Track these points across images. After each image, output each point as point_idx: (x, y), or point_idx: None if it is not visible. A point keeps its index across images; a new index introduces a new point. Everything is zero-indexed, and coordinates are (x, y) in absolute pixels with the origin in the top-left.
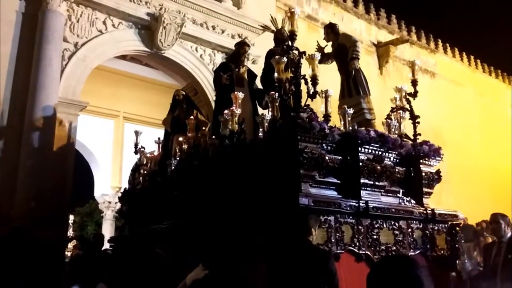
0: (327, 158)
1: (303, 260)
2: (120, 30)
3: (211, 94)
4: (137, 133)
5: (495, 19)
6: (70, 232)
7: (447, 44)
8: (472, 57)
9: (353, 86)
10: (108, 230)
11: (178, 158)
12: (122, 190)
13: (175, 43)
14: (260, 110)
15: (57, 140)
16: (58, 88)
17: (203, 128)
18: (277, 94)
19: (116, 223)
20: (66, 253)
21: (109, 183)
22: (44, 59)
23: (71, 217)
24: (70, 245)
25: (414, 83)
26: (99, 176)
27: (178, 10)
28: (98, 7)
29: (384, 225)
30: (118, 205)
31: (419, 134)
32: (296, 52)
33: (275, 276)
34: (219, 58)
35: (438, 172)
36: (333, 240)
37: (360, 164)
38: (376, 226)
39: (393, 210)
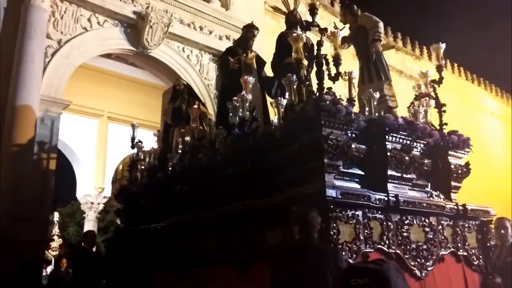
0: (353, 146)
1: (307, 258)
2: (106, 28)
3: (200, 95)
4: (133, 127)
5: (477, 28)
6: (56, 231)
7: (432, 52)
8: (455, 64)
9: (374, 71)
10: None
11: (180, 151)
12: (106, 191)
13: (161, 42)
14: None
15: (38, 139)
16: (40, 86)
17: (208, 118)
18: (294, 76)
19: (99, 224)
20: (52, 252)
21: (92, 183)
22: (26, 55)
23: (56, 215)
24: (55, 244)
25: (439, 68)
26: (81, 176)
27: (165, 10)
28: (82, 4)
29: (414, 222)
30: (101, 206)
31: (446, 124)
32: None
33: (279, 275)
34: (206, 59)
35: (467, 164)
36: (361, 238)
37: (388, 154)
38: (406, 222)
39: (424, 205)
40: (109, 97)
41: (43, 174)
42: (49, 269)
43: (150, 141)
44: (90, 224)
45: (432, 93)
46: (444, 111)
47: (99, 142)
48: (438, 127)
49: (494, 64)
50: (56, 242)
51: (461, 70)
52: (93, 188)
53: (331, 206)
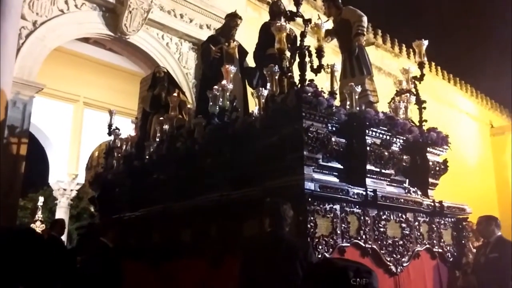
0: (333, 140)
1: (277, 252)
2: (83, 11)
3: (179, 83)
4: (111, 113)
5: (454, 27)
6: (39, 215)
7: (411, 50)
8: (433, 63)
9: (356, 65)
10: (62, 217)
11: (158, 140)
12: (80, 177)
13: (140, 29)
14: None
15: (9, 123)
16: (13, 68)
17: (188, 107)
18: (276, 67)
19: (71, 211)
20: None
21: (65, 169)
22: None
23: (41, 199)
24: (38, 230)
25: (421, 65)
26: (54, 162)
27: None
28: None
29: (391, 217)
30: (74, 193)
31: (425, 121)
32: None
33: (249, 270)
34: (186, 47)
35: (445, 162)
36: (338, 232)
37: (368, 148)
38: (383, 217)
39: (402, 200)
40: (85, 82)
41: (13, 159)
42: None
43: (127, 128)
44: (62, 211)
45: (413, 90)
46: (424, 108)
47: (74, 128)
48: (417, 124)
49: (471, 64)
50: (39, 228)
51: (438, 69)
52: (66, 174)
53: (309, 199)
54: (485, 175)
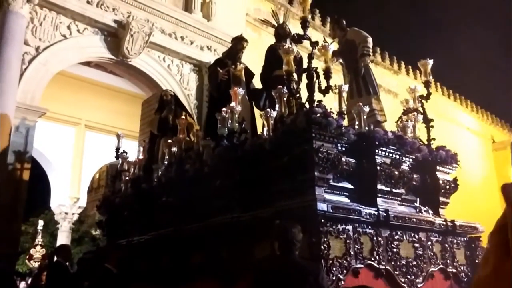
0: (343, 160)
1: (288, 276)
2: (85, 36)
3: None
4: (118, 136)
5: (454, 44)
6: (39, 240)
7: (409, 66)
8: (432, 79)
9: (363, 85)
10: (63, 242)
11: (166, 163)
12: (81, 201)
13: (142, 51)
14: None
15: (12, 148)
16: (16, 93)
17: (196, 129)
18: (285, 88)
19: (73, 235)
20: (33, 263)
21: (67, 193)
22: (2, 62)
23: (41, 223)
24: (38, 255)
25: (427, 84)
26: (56, 185)
27: (147, 19)
28: (62, 11)
29: (404, 237)
30: (76, 217)
31: (434, 139)
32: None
33: None
34: (187, 69)
35: (455, 180)
36: (352, 253)
37: (378, 168)
38: (396, 238)
39: (414, 220)
40: (87, 105)
41: (16, 184)
42: (30, 281)
43: (129, 150)
44: (63, 235)
45: (420, 108)
46: (432, 126)
47: (75, 151)
48: (426, 142)
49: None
50: (39, 253)
51: (437, 85)
52: (68, 197)
53: (322, 220)
54: (489, 190)
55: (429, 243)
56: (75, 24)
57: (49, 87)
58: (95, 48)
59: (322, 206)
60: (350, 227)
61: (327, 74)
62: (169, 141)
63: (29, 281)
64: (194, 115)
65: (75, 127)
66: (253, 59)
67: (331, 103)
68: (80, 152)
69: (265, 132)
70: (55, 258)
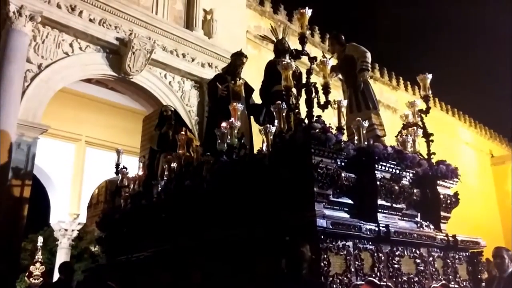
0: (343, 175)
1: None
2: (87, 53)
3: None
4: (118, 152)
5: (452, 60)
6: (39, 257)
7: (408, 82)
8: (431, 94)
9: (362, 100)
10: (62, 258)
11: (166, 178)
12: (81, 217)
13: (144, 69)
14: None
15: (13, 165)
16: (18, 110)
17: (196, 144)
18: (284, 104)
19: (72, 251)
20: (33, 280)
21: (66, 209)
22: (5, 79)
23: (40, 239)
24: (37, 272)
25: (426, 98)
26: (56, 202)
27: (148, 37)
28: (65, 29)
29: (405, 253)
30: (75, 233)
31: (434, 153)
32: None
33: None
34: (188, 85)
35: (456, 194)
36: (352, 270)
37: (378, 183)
38: (397, 253)
39: (415, 235)
40: (87, 121)
41: (17, 202)
42: None
43: (129, 166)
44: (63, 252)
45: (420, 123)
46: (432, 141)
47: (75, 167)
48: (426, 157)
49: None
50: (39, 270)
51: (435, 100)
52: (68, 214)
53: (322, 237)
54: (488, 205)
55: (431, 258)
56: (78, 42)
57: (50, 104)
58: (97, 65)
59: (321, 222)
60: (350, 243)
61: (326, 89)
62: (169, 156)
63: None
64: (195, 131)
65: (75, 143)
66: (253, 75)
67: (330, 118)
68: (80, 168)
69: (264, 148)
70: (58, 276)
